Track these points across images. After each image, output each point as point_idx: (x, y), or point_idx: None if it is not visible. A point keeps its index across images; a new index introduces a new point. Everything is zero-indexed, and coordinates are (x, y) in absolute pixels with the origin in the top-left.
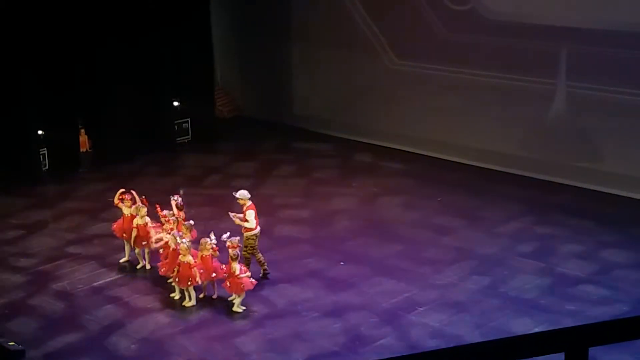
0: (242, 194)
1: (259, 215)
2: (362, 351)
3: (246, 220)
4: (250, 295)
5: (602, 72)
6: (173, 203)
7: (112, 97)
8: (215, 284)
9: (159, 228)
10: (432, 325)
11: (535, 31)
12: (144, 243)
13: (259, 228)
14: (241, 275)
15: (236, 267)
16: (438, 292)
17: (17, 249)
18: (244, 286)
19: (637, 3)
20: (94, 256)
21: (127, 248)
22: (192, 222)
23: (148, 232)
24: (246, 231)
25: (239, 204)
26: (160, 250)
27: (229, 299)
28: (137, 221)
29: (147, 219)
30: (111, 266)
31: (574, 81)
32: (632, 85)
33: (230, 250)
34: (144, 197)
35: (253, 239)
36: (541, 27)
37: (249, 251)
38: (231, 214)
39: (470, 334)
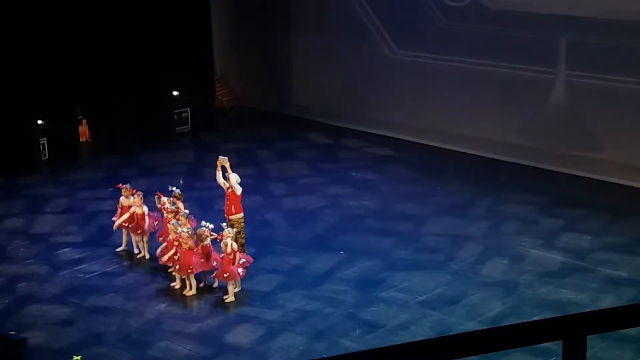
0: (224, 159)
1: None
2: (365, 339)
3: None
4: (250, 283)
5: (602, 61)
6: (168, 200)
7: (112, 87)
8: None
9: (155, 220)
10: (430, 314)
11: (535, 20)
12: (139, 232)
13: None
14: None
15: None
16: (437, 282)
17: (17, 238)
18: (228, 275)
19: None
20: (93, 245)
21: (124, 237)
22: (187, 211)
23: (144, 221)
24: (235, 211)
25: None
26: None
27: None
28: (133, 210)
29: (145, 208)
30: (110, 255)
31: (574, 70)
32: (632, 73)
33: (225, 241)
34: (128, 186)
35: (242, 222)
36: (541, 16)
37: (243, 236)
38: (219, 166)
39: (467, 323)
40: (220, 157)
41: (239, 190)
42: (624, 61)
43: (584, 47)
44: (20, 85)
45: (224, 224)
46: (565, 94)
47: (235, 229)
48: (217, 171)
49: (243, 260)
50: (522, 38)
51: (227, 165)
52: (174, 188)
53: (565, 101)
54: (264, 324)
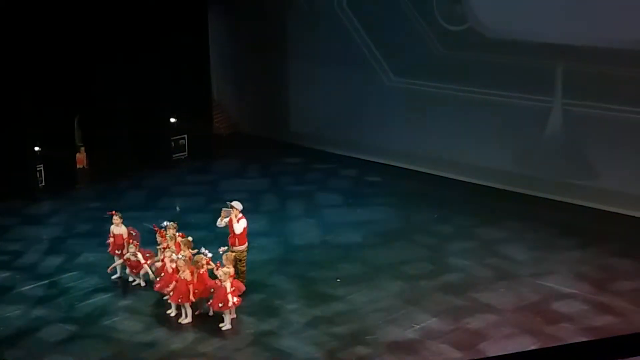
0: (238, 205)
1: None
2: None
3: (233, 229)
4: (247, 312)
5: (598, 90)
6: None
7: (110, 113)
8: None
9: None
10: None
11: (531, 49)
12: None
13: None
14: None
15: (227, 285)
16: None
17: (13, 265)
18: (224, 304)
19: (632, 21)
20: (89, 272)
21: (118, 266)
22: (190, 238)
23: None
24: (239, 244)
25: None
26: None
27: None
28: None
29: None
30: (106, 283)
31: (570, 98)
32: (628, 102)
33: (221, 270)
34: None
35: (245, 252)
36: (537, 45)
37: (244, 264)
38: (224, 214)
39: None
40: (224, 209)
41: (238, 232)
42: (620, 90)
43: (580, 75)
44: (18, 112)
45: (222, 250)
46: (561, 122)
47: (236, 257)
48: (220, 219)
49: (233, 288)
50: (519, 67)
51: (233, 215)
52: (167, 223)
53: (562, 129)
54: (258, 352)
